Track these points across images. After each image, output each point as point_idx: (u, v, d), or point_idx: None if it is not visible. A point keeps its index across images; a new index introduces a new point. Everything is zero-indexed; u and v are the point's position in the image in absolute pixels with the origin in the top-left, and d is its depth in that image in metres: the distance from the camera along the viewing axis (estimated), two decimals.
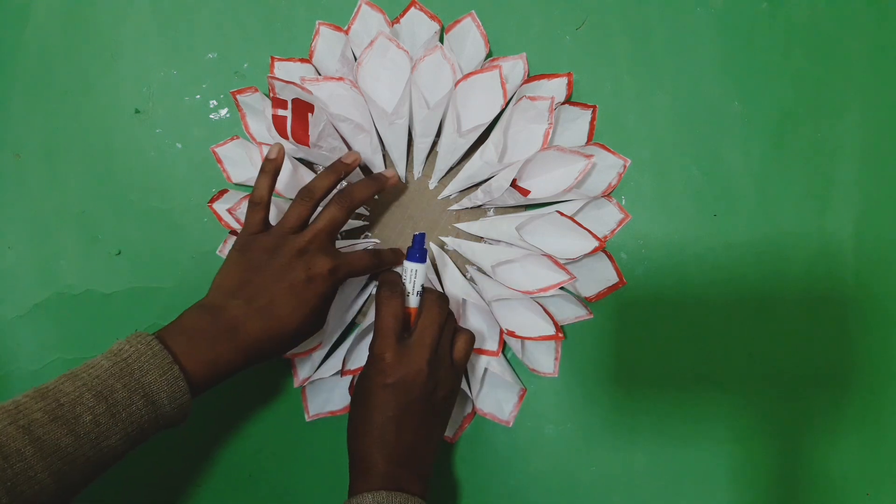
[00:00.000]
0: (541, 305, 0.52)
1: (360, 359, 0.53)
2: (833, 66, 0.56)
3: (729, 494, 0.56)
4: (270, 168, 0.47)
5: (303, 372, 0.55)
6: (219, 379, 0.43)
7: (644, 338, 0.55)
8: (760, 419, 0.55)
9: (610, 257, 0.54)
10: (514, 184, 0.51)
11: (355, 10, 0.53)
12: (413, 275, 0.49)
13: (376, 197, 0.55)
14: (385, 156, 0.55)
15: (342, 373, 0.53)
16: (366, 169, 0.55)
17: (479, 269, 0.55)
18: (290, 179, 0.52)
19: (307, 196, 0.47)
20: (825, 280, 0.55)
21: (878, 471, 0.55)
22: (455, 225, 0.56)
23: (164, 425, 0.41)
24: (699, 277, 0.55)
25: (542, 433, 0.56)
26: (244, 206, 0.52)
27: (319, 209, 0.48)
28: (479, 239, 0.55)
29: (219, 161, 0.55)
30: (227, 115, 0.56)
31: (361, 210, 0.55)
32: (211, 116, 0.56)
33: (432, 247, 0.55)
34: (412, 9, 0.54)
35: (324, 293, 0.45)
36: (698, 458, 0.56)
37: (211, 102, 0.56)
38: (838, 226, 0.55)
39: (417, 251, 0.49)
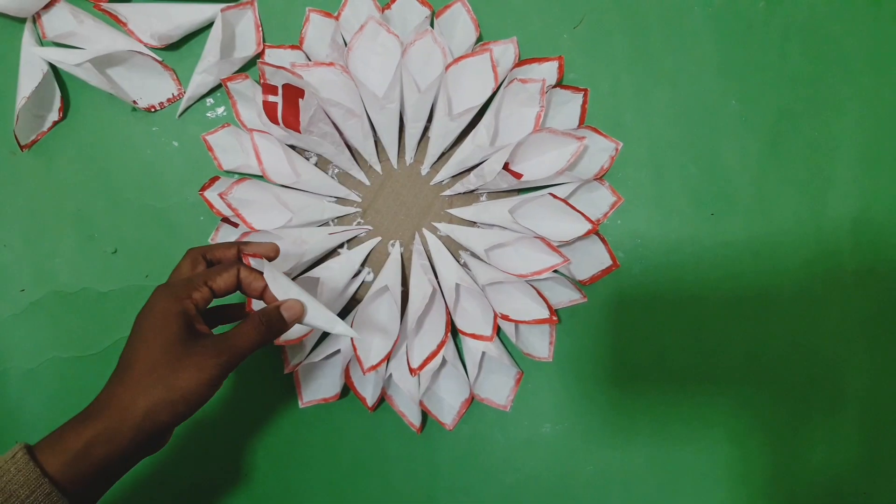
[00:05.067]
0: (535, 289, 0.52)
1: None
2: (830, 65, 0.56)
3: (726, 493, 0.55)
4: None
5: (294, 360, 0.54)
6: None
7: (641, 337, 0.55)
8: (758, 418, 0.55)
9: (603, 240, 0.53)
10: (506, 167, 0.50)
11: None
12: None
13: (369, 184, 0.55)
14: (377, 141, 0.55)
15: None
16: (357, 155, 0.55)
17: (473, 254, 0.54)
18: (283, 166, 0.51)
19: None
20: (822, 279, 0.55)
21: (875, 470, 0.56)
22: (448, 210, 0.55)
23: None
24: (696, 276, 0.55)
25: (540, 432, 0.56)
26: (235, 189, 0.52)
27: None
28: (473, 224, 0.55)
29: (210, 149, 0.55)
30: (224, 113, 0.56)
31: (353, 196, 0.55)
32: (207, 114, 0.56)
33: (426, 234, 0.55)
34: None
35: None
36: (696, 457, 0.55)
37: (208, 101, 0.55)
38: (835, 224, 0.55)
39: None
